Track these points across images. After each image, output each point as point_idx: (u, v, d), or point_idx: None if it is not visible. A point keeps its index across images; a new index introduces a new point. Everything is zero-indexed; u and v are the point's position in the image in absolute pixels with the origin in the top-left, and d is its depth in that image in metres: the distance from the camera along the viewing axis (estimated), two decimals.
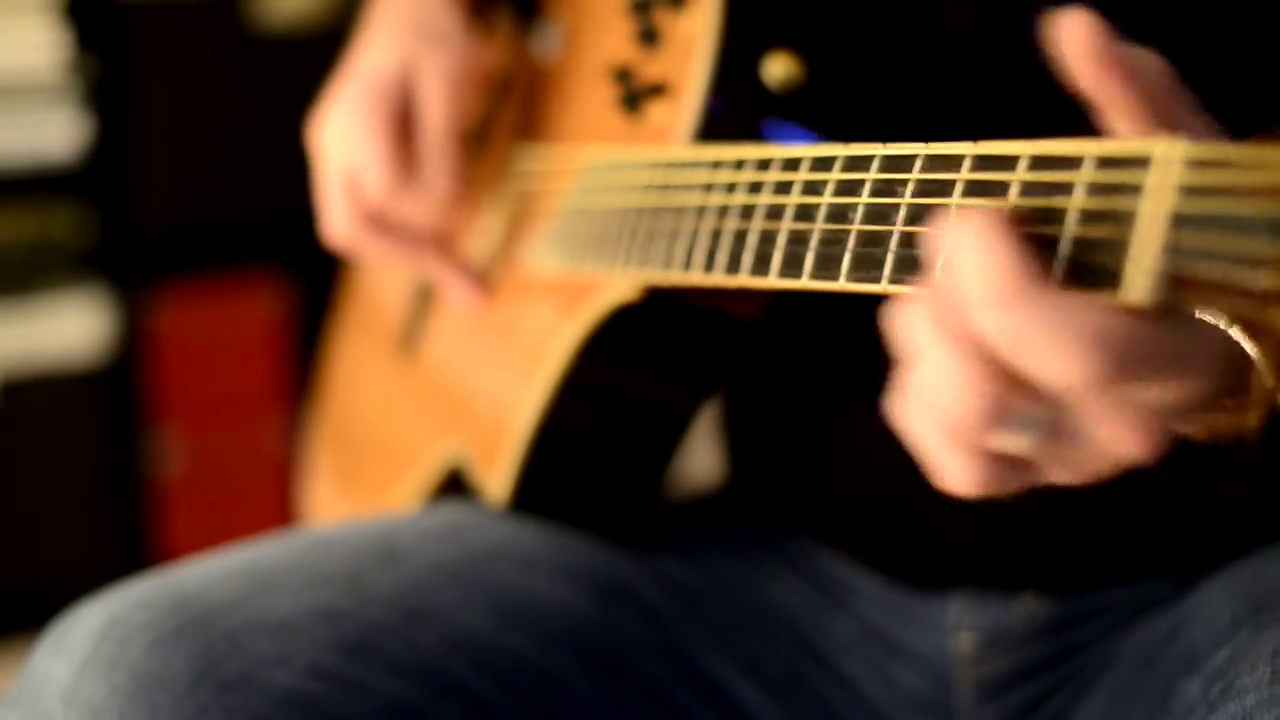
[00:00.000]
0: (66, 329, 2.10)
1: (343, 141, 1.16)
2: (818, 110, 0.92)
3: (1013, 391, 0.63)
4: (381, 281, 1.42)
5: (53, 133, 2.04)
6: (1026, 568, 1.01)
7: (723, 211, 0.84)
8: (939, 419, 0.64)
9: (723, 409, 1.16)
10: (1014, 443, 0.64)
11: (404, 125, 1.16)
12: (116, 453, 2.19)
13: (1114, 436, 0.63)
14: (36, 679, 0.93)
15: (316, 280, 1.70)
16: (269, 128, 1.34)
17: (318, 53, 1.59)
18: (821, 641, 1.06)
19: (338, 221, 1.18)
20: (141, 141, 2.12)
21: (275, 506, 2.19)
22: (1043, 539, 0.98)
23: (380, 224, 1.18)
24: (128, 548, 2.18)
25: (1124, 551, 0.99)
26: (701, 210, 0.86)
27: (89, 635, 0.93)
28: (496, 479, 1.09)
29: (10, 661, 2.04)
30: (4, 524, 2.15)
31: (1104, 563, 1.00)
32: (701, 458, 1.20)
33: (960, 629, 1.02)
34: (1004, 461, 0.66)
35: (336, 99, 1.19)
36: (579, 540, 1.07)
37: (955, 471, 0.66)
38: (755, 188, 0.82)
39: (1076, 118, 0.68)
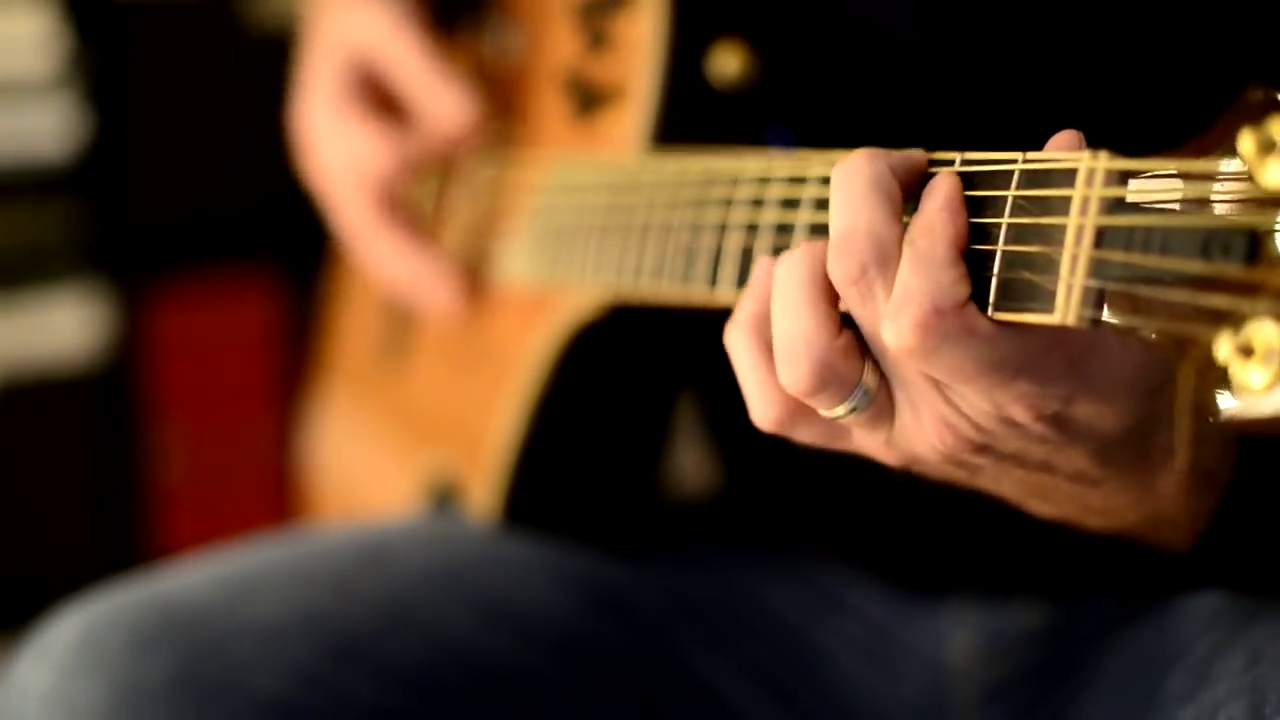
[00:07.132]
0: (62, 328, 2.09)
1: (334, 142, 1.15)
2: (772, 106, 0.91)
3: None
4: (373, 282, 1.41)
5: (48, 131, 2.03)
6: (1023, 572, 1.00)
7: (692, 226, 0.84)
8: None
9: (713, 418, 1.14)
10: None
11: (381, 95, 1.14)
12: (113, 454, 2.19)
13: (921, 421, 0.65)
14: (17, 684, 0.94)
15: (316, 280, 1.70)
16: (265, 127, 1.35)
17: None
18: (818, 647, 1.05)
19: (356, 219, 1.16)
20: (137, 140, 2.12)
21: (275, 507, 2.19)
22: (1039, 544, 0.96)
23: (398, 210, 1.15)
24: (126, 549, 2.18)
25: (1118, 558, 0.99)
26: (669, 227, 0.86)
27: (70, 640, 0.93)
28: (482, 495, 1.09)
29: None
30: (1, 526, 2.15)
31: (1099, 568, 0.98)
32: (698, 463, 1.19)
33: (957, 633, 1.02)
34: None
35: (310, 109, 1.18)
36: (569, 546, 1.06)
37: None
38: (724, 203, 0.81)
39: (1032, 112, 0.67)
